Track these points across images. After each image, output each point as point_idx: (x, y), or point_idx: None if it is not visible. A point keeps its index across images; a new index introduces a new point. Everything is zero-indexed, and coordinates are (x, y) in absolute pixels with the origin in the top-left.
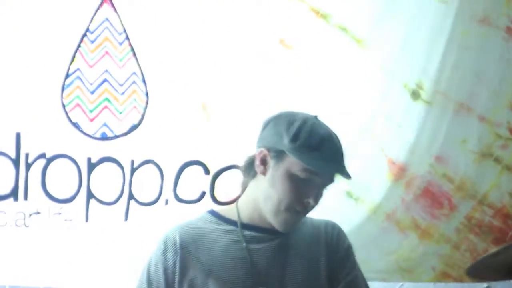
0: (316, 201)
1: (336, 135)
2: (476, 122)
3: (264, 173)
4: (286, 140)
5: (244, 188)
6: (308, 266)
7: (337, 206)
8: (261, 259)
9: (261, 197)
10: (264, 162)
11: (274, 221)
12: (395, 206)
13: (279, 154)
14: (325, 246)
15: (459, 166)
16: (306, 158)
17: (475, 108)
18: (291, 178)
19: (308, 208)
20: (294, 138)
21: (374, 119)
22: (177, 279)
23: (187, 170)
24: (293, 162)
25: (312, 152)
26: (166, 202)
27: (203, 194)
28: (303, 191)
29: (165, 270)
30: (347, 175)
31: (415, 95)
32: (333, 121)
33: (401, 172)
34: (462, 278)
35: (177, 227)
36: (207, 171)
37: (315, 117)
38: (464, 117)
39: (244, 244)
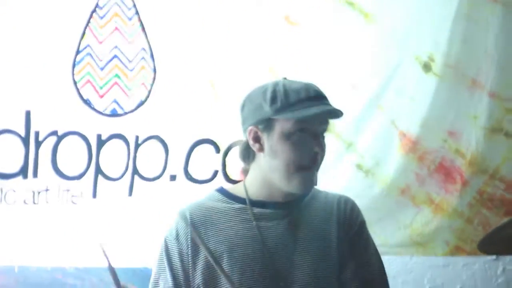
0: (322, 149)
1: (311, 84)
2: (486, 98)
3: (261, 149)
4: (267, 107)
5: (246, 173)
6: (319, 242)
7: (349, 180)
8: (272, 236)
9: (268, 173)
10: (257, 139)
11: (291, 187)
12: (408, 180)
13: (267, 124)
14: (338, 221)
15: (470, 141)
16: (291, 113)
17: (486, 84)
18: (288, 138)
19: (317, 159)
20: (273, 101)
21: (384, 92)
22: (191, 260)
23: (198, 148)
24: (282, 123)
25: (294, 105)
26: (173, 178)
27: (215, 173)
28: (305, 144)
29: (180, 254)
30: (338, 112)
31: (426, 67)
32: (344, 94)
33: (412, 146)
34: (475, 252)
35: (187, 208)
36: (218, 150)
37: (284, 78)
38: (475, 93)
39: (254, 222)
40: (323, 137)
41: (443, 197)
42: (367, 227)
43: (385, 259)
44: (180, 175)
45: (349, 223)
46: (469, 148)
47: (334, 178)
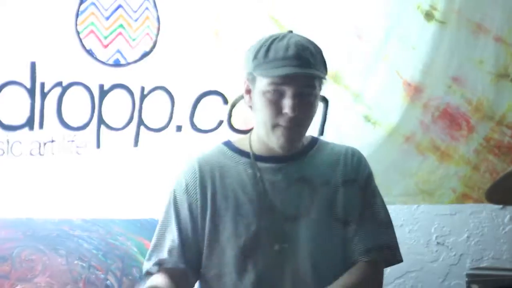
0: (294, 111)
1: (299, 43)
2: (492, 42)
3: (250, 102)
4: (250, 62)
5: None
6: (325, 194)
7: (357, 131)
8: (278, 190)
9: (255, 126)
10: (248, 91)
11: (271, 143)
12: (413, 128)
13: (252, 78)
14: (344, 173)
15: (476, 87)
16: (265, 71)
17: (491, 28)
18: (264, 96)
19: (292, 120)
20: (255, 56)
21: (388, 42)
22: (200, 212)
23: (204, 100)
24: (260, 80)
25: (270, 63)
26: (179, 129)
27: (220, 123)
28: (278, 104)
29: (190, 206)
30: (314, 76)
31: (428, 16)
32: (347, 44)
33: (417, 94)
34: (482, 199)
35: (195, 161)
36: (225, 101)
37: (290, 31)
38: (480, 38)
39: (258, 174)
40: (306, 98)
41: (449, 144)
42: (374, 179)
43: (391, 208)
44: (186, 126)
45: (355, 175)
46: (474, 93)
47: (342, 130)
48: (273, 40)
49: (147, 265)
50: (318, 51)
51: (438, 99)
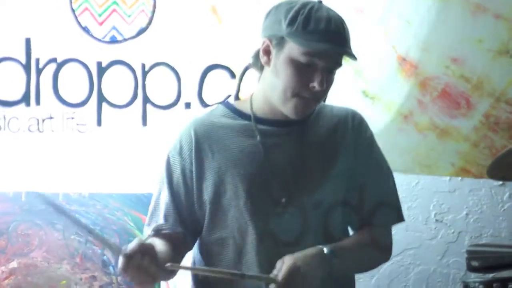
0: (322, 86)
1: (338, 17)
2: (492, 20)
3: (268, 63)
4: (284, 25)
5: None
6: (326, 157)
7: (355, 105)
8: (277, 153)
9: (268, 89)
10: (267, 52)
11: (284, 109)
12: (411, 107)
13: (279, 41)
14: (345, 135)
15: (476, 66)
16: (304, 41)
17: (490, 6)
18: (293, 63)
19: (315, 93)
20: (291, 22)
21: (387, 17)
22: (194, 176)
23: (211, 74)
24: (293, 47)
25: (310, 34)
26: (188, 106)
27: (227, 97)
28: (307, 76)
29: (183, 169)
30: (351, 55)
31: None
32: (348, 19)
33: (413, 70)
34: (481, 175)
35: (191, 123)
36: (232, 75)
37: (319, 1)
38: (479, 16)
39: (259, 138)
40: (332, 73)
41: (448, 122)
42: (375, 141)
43: None
44: (195, 102)
45: (358, 137)
46: (474, 72)
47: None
48: (310, 9)
49: (147, 230)
50: (348, 29)
51: (436, 79)
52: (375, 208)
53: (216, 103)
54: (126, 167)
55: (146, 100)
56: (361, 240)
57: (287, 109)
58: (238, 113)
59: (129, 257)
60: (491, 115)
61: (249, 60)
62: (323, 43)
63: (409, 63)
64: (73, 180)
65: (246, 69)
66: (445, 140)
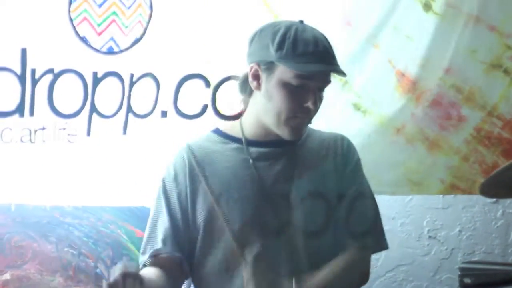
0: (315, 105)
1: (322, 36)
2: (486, 32)
3: (258, 88)
4: (272, 50)
5: (246, 105)
6: (316, 180)
7: (346, 120)
8: (269, 175)
9: (261, 113)
10: (256, 77)
11: (280, 132)
12: (405, 121)
13: (269, 66)
14: (334, 159)
15: (468, 76)
16: (294, 64)
17: (485, 18)
18: (285, 87)
19: (309, 113)
20: (280, 47)
21: (381, 30)
22: (190, 200)
23: (187, 83)
24: (283, 71)
25: (299, 57)
26: (164, 115)
27: (205, 108)
28: (300, 97)
29: (179, 194)
30: (340, 73)
31: (427, 6)
32: (339, 31)
33: (411, 86)
34: (470, 190)
35: (184, 149)
36: (208, 84)
37: (300, 21)
38: (474, 28)
39: (251, 161)
40: (321, 92)
41: (438, 133)
42: (361, 165)
43: (384, 199)
44: (171, 111)
45: (345, 161)
46: (466, 82)
47: (330, 118)
48: (296, 31)
49: (142, 258)
50: (332, 46)
51: (430, 91)
52: (355, 233)
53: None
54: (119, 180)
55: (129, 110)
56: (336, 268)
57: (284, 132)
58: (229, 138)
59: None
60: (482, 129)
61: (236, 87)
62: (314, 65)
63: (407, 78)
64: (65, 192)
65: (224, 80)
66: (435, 153)
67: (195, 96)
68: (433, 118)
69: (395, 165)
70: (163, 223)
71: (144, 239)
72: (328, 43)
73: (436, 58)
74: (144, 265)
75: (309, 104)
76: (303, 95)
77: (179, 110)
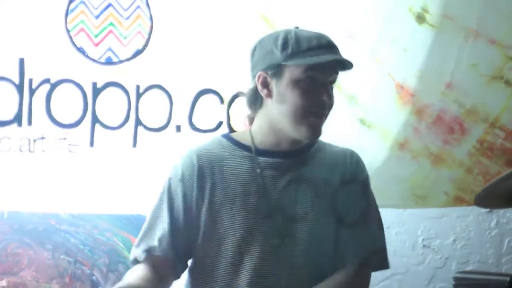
0: (330, 98)
1: (322, 33)
2: (486, 45)
3: (269, 95)
4: (277, 53)
5: (251, 121)
6: (323, 193)
7: (353, 135)
8: (276, 185)
9: (276, 119)
10: (266, 84)
11: (298, 133)
12: (407, 135)
13: (277, 70)
14: (343, 174)
15: (470, 90)
16: (302, 59)
17: (485, 32)
18: (297, 84)
19: (324, 107)
20: (284, 47)
21: (380, 44)
22: (194, 203)
23: (202, 98)
24: (292, 70)
25: (305, 52)
26: (178, 129)
27: (220, 124)
28: (313, 92)
29: (184, 195)
30: (348, 63)
31: (420, 19)
32: (342, 45)
33: (410, 98)
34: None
35: (193, 151)
36: (221, 100)
37: (296, 27)
38: (474, 42)
39: (259, 170)
40: (332, 88)
41: (442, 148)
42: (370, 182)
43: (383, 212)
44: (185, 126)
45: (354, 177)
46: (468, 97)
47: (337, 133)
48: (296, 32)
49: (135, 252)
50: None
51: (432, 106)
52: (358, 250)
53: (212, 133)
54: (117, 189)
55: (138, 122)
56: (340, 281)
57: (301, 132)
58: (239, 145)
59: None
60: (485, 140)
61: (244, 102)
62: (321, 56)
63: (406, 90)
64: (63, 200)
65: (235, 97)
66: (439, 167)
67: (208, 110)
68: (437, 134)
69: (401, 180)
70: (162, 222)
71: (141, 233)
72: (330, 38)
73: (434, 70)
74: (137, 260)
75: (324, 98)
76: (316, 89)
77: (194, 125)
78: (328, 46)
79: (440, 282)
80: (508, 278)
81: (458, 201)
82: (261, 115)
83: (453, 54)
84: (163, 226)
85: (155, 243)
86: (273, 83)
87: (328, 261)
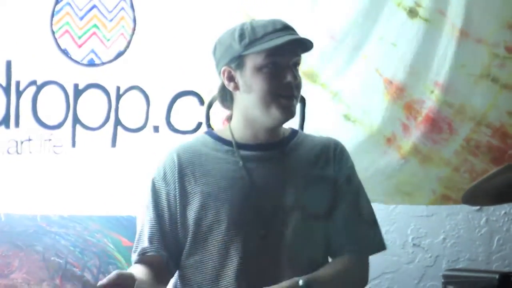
0: (296, 79)
1: (278, 19)
2: (474, 45)
3: (236, 87)
4: (236, 45)
5: (230, 120)
6: (309, 182)
7: (337, 131)
8: (260, 177)
9: (247, 110)
10: (231, 78)
11: (271, 117)
12: (394, 129)
13: (239, 62)
14: (327, 162)
15: (458, 91)
16: (260, 45)
17: (473, 31)
18: (260, 71)
19: (291, 89)
20: (241, 38)
21: (367, 40)
22: (178, 200)
23: (181, 100)
24: (253, 58)
25: (262, 38)
26: (156, 130)
27: (199, 125)
28: (277, 76)
29: (167, 194)
30: (307, 42)
31: (412, 13)
32: (325, 45)
33: (399, 93)
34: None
35: (175, 150)
36: (201, 102)
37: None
38: (463, 42)
39: (241, 163)
40: (296, 69)
41: (431, 147)
42: (356, 171)
43: None
44: (163, 126)
45: (340, 165)
46: (457, 97)
47: (321, 129)
48: (251, 22)
49: (133, 257)
50: None
51: (421, 102)
52: (352, 237)
53: (190, 134)
54: (104, 190)
55: (117, 122)
56: (336, 270)
57: (275, 115)
58: (220, 140)
59: None
60: (472, 139)
61: (216, 100)
62: (279, 38)
63: (395, 85)
64: (51, 202)
65: (213, 99)
66: (426, 165)
67: (187, 111)
68: (425, 134)
69: (388, 176)
70: (150, 221)
71: (136, 238)
72: (285, 21)
73: (424, 65)
74: (134, 263)
75: (289, 79)
76: (279, 73)
77: (172, 126)
78: (283, 28)
79: (430, 280)
80: (497, 276)
81: (445, 199)
82: (235, 110)
83: (443, 53)
84: (150, 225)
85: (146, 244)
86: (237, 75)
87: (318, 250)
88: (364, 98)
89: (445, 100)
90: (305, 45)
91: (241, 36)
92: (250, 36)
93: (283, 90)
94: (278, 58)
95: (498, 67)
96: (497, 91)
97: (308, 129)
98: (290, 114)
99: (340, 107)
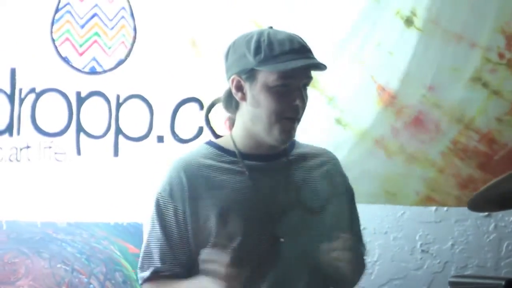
0: (303, 102)
1: (296, 35)
2: (467, 49)
3: (243, 98)
4: (250, 58)
5: (232, 123)
6: (311, 190)
7: (327, 134)
8: (265, 187)
9: (250, 123)
10: (239, 88)
11: (271, 137)
12: (384, 132)
13: (250, 74)
14: (327, 173)
15: (450, 93)
16: (275, 65)
17: (466, 35)
18: (270, 90)
19: (298, 111)
20: (257, 52)
21: (364, 47)
22: (188, 216)
23: (183, 107)
24: (265, 75)
25: (278, 57)
26: (161, 140)
27: (201, 130)
28: (286, 97)
29: (175, 210)
30: (321, 65)
31: (408, 22)
32: (325, 50)
33: (391, 99)
34: (445, 202)
35: (179, 164)
36: (202, 107)
37: (270, 27)
38: (456, 46)
39: (247, 173)
40: (306, 90)
41: (417, 147)
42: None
43: (376, 214)
44: (168, 136)
45: (339, 179)
46: (447, 99)
47: (311, 131)
48: (269, 35)
49: (142, 274)
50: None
51: (412, 107)
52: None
53: (194, 141)
54: (110, 197)
55: (118, 131)
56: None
57: (274, 135)
58: (223, 150)
59: None
60: (459, 141)
61: (218, 103)
62: (294, 61)
63: (388, 92)
64: (57, 209)
65: (213, 104)
66: (412, 165)
67: (190, 119)
68: (413, 134)
69: (373, 176)
70: (158, 240)
71: (141, 255)
72: (303, 40)
73: (417, 72)
74: (145, 280)
75: (297, 102)
76: (289, 94)
77: (177, 135)
78: (301, 49)
79: (439, 286)
80: (503, 282)
81: (429, 200)
82: (239, 118)
83: (436, 58)
84: (160, 245)
85: (158, 264)
86: (246, 87)
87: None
88: (356, 103)
89: (435, 102)
90: (319, 67)
91: (257, 49)
92: (266, 52)
93: (289, 112)
94: (290, 80)
95: (490, 72)
96: (487, 97)
97: (299, 131)
98: (289, 138)
99: (333, 112)
